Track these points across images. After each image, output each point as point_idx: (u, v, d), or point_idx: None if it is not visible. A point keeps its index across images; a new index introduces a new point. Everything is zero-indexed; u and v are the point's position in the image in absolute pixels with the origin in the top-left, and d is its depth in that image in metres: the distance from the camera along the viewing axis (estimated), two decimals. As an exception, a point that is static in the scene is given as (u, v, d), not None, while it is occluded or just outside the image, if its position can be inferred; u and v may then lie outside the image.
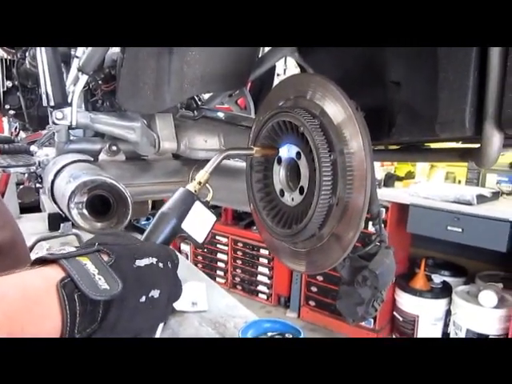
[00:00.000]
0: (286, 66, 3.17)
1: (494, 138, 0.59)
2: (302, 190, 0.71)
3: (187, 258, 4.55)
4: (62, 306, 0.42)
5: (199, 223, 0.62)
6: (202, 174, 0.65)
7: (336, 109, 0.66)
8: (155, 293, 0.50)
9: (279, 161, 0.77)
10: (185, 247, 4.68)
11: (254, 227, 4.07)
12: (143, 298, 0.48)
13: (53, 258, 0.46)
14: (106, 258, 0.48)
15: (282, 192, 0.77)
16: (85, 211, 0.88)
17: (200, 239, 0.63)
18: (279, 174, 0.77)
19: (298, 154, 0.72)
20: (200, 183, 0.64)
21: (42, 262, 0.46)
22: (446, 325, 3.18)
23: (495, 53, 0.55)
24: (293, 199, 0.74)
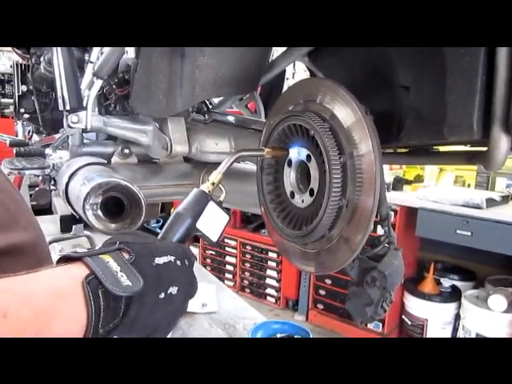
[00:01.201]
0: (295, 71, 3.18)
1: (502, 141, 0.60)
2: (312, 192, 0.73)
3: (196, 260, 4.57)
4: (87, 302, 0.44)
5: (213, 222, 0.64)
6: (215, 175, 0.67)
7: (346, 112, 0.68)
8: (173, 290, 0.51)
9: (289, 163, 0.78)
10: (193, 249, 4.70)
11: (263, 230, 4.08)
12: (162, 295, 0.50)
13: (77, 256, 0.48)
14: (126, 255, 0.50)
15: (292, 194, 0.78)
16: (99, 212, 0.90)
17: (214, 238, 0.64)
18: (289, 177, 0.79)
19: (308, 156, 0.73)
20: (213, 184, 0.66)
21: (67, 259, 0.48)
22: (456, 329, 3.16)
23: (502, 57, 0.56)
24: (303, 201, 0.75)
